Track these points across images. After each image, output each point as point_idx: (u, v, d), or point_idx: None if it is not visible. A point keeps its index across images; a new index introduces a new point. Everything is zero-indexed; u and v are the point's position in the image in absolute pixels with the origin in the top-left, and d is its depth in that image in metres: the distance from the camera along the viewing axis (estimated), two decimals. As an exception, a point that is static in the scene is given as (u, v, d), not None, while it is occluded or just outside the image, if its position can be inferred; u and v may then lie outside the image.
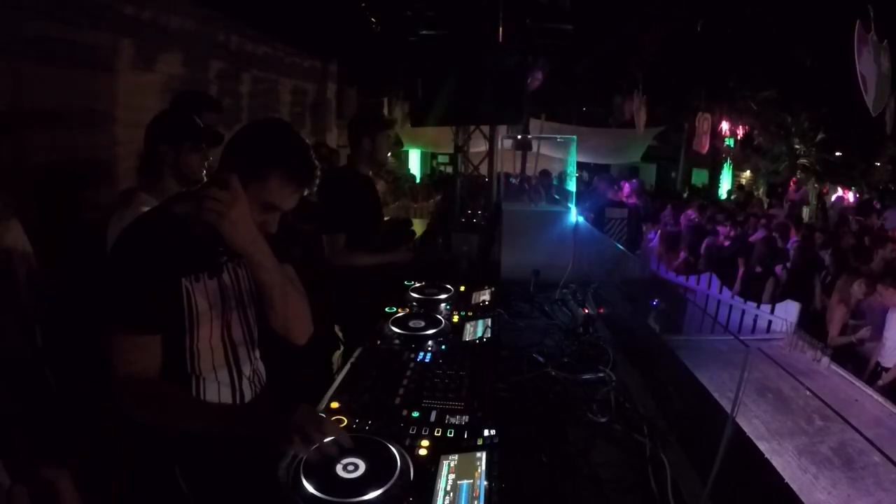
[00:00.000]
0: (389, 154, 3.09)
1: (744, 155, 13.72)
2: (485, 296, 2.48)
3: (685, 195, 13.27)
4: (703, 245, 5.98)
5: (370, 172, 3.04)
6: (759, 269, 5.14)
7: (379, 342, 1.97)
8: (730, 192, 14.17)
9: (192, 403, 1.34)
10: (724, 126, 11.91)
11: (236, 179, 1.23)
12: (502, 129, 6.30)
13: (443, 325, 2.08)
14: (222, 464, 1.32)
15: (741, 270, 5.21)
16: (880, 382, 3.65)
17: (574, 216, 3.02)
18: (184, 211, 1.31)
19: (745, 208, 9.12)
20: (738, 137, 13.22)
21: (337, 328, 2.90)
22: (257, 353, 1.55)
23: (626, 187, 8.83)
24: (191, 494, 1.32)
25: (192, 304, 1.32)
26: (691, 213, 7.28)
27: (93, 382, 1.42)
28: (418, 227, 5.54)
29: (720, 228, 6.81)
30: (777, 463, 2.00)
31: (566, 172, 4.04)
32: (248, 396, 1.50)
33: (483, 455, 1.25)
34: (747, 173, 15.89)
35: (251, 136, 1.37)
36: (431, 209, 9.00)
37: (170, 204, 1.39)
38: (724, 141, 13.72)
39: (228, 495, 1.30)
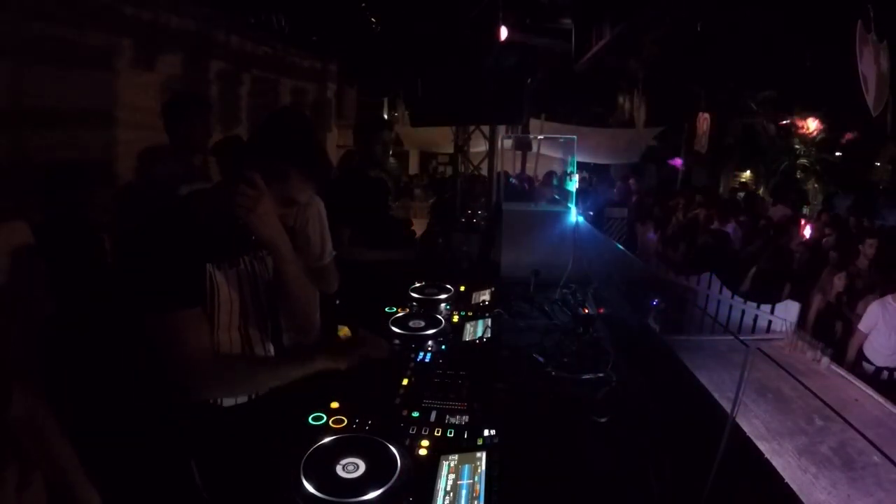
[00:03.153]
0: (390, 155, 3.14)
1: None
2: (485, 296, 2.48)
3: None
4: (700, 244, 5.97)
5: (380, 174, 3.09)
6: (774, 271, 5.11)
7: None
8: (731, 192, 14.16)
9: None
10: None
11: (260, 178, 1.30)
12: (502, 129, 6.30)
13: (443, 325, 2.08)
14: (235, 461, 1.33)
15: (752, 271, 5.19)
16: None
17: (574, 216, 3.02)
18: (205, 205, 1.38)
19: (751, 208, 9.07)
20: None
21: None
22: (271, 348, 1.57)
23: (618, 187, 8.79)
24: (204, 488, 1.33)
25: (214, 289, 1.36)
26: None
27: (104, 377, 1.44)
28: (418, 227, 5.54)
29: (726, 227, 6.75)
30: (777, 463, 2.00)
31: (567, 172, 4.05)
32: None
33: (483, 455, 1.25)
34: (747, 173, 15.89)
35: (274, 134, 1.43)
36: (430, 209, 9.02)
37: (189, 198, 1.44)
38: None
39: (237, 492, 1.31)
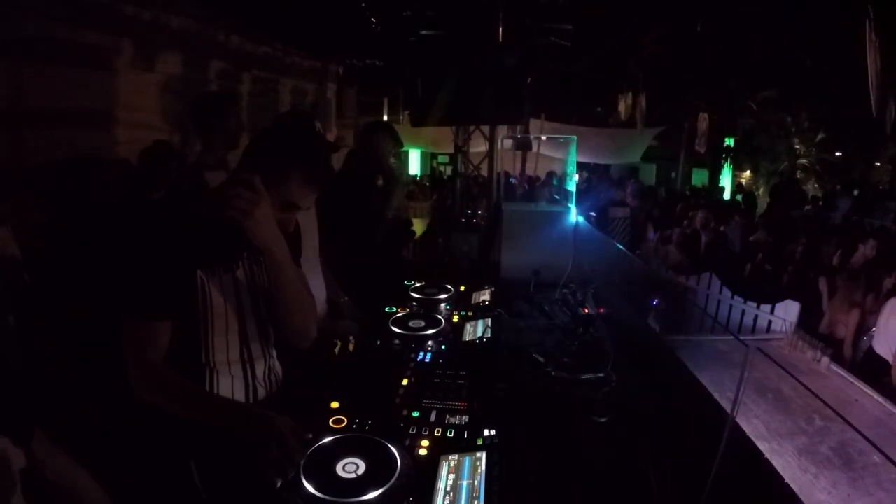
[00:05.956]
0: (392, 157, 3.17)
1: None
2: (485, 296, 2.48)
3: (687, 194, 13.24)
4: (704, 244, 5.97)
5: (375, 175, 3.11)
6: (768, 268, 5.13)
7: (379, 342, 1.97)
8: (732, 192, 14.15)
9: (195, 390, 1.37)
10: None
11: (259, 180, 1.27)
12: (502, 129, 6.30)
13: (443, 325, 2.08)
14: (234, 461, 1.33)
15: (749, 268, 5.20)
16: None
17: (574, 216, 3.02)
18: (205, 206, 1.36)
19: (751, 210, 9.05)
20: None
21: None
22: (273, 352, 1.56)
23: (630, 188, 8.77)
24: (203, 489, 1.33)
25: (206, 295, 1.35)
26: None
27: (104, 376, 1.44)
28: (418, 227, 5.54)
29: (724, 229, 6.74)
30: (777, 463, 2.00)
31: (567, 172, 4.05)
32: (261, 394, 1.51)
33: (483, 455, 1.25)
34: (747, 173, 15.89)
35: (274, 136, 1.42)
36: (429, 210, 9.01)
37: (189, 199, 1.44)
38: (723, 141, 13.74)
39: (235, 493, 1.31)
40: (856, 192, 12.43)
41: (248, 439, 1.24)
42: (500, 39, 4.90)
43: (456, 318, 2.21)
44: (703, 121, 12.09)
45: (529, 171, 11.04)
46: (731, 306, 4.70)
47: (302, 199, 1.40)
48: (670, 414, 1.58)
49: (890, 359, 3.31)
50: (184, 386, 1.34)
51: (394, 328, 2.05)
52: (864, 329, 3.88)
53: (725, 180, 14.65)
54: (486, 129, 5.82)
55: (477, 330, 2.08)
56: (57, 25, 2.57)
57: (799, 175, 13.62)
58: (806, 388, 2.57)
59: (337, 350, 2.10)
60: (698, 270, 5.27)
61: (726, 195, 13.76)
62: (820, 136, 13.27)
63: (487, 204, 5.77)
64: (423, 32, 5.23)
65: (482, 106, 4.26)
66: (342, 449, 1.25)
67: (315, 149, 1.42)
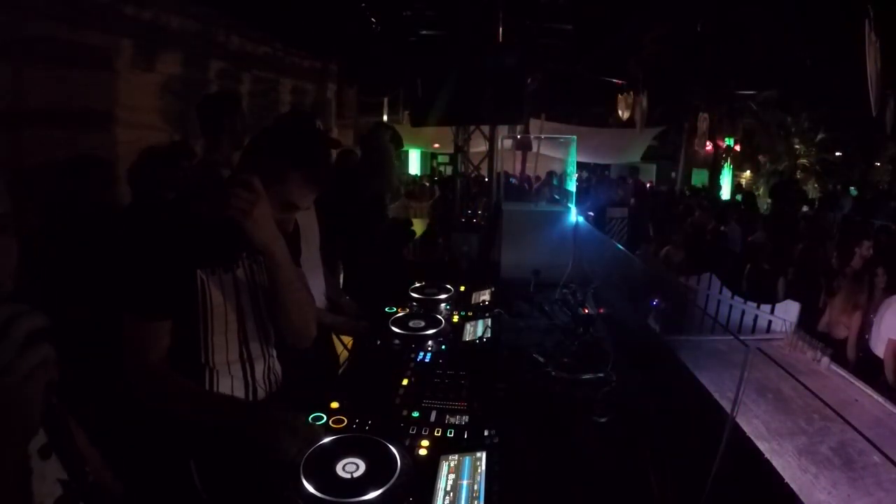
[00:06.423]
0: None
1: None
2: (485, 296, 2.48)
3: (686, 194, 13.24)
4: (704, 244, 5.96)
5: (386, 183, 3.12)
6: (767, 267, 5.13)
7: (379, 342, 1.97)
8: (732, 192, 14.15)
9: (201, 392, 1.37)
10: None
11: (258, 181, 1.27)
12: (502, 129, 6.30)
13: (443, 325, 2.08)
14: (234, 461, 1.33)
15: (749, 268, 5.20)
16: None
17: (574, 216, 3.02)
18: (204, 206, 1.36)
19: (752, 210, 9.05)
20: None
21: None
22: (273, 352, 1.56)
23: (629, 188, 8.76)
24: (203, 489, 1.33)
25: (206, 295, 1.35)
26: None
27: (104, 376, 1.43)
28: (418, 226, 5.54)
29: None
30: (777, 463, 2.00)
31: (567, 172, 4.05)
32: (261, 394, 1.51)
33: (483, 455, 1.25)
34: (747, 173, 15.89)
35: (274, 136, 1.42)
36: (429, 210, 9.02)
37: (188, 198, 1.43)
38: (724, 141, 13.76)
39: (235, 493, 1.31)
40: (854, 192, 12.44)
41: (249, 435, 1.25)
42: (500, 39, 4.91)
43: (456, 318, 2.21)
44: (703, 121, 12.09)
45: (529, 171, 11.04)
46: (731, 306, 4.69)
47: (301, 199, 1.40)
48: (670, 414, 1.58)
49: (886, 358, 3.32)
50: (185, 387, 1.34)
51: (394, 328, 2.05)
52: (866, 330, 3.88)
53: (725, 180, 14.66)
54: (486, 129, 5.82)
55: (477, 330, 2.08)
56: (57, 25, 2.57)
57: (799, 175, 13.62)
58: (806, 388, 2.57)
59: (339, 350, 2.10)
60: (698, 270, 5.27)
61: (726, 196, 13.77)
62: (820, 136, 13.27)
63: (487, 204, 5.77)
64: (423, 32, 5.23)
65: (482, 106, 4.26)
66: (342, 449, 1.25)
67: (314, 149, 1.42)
